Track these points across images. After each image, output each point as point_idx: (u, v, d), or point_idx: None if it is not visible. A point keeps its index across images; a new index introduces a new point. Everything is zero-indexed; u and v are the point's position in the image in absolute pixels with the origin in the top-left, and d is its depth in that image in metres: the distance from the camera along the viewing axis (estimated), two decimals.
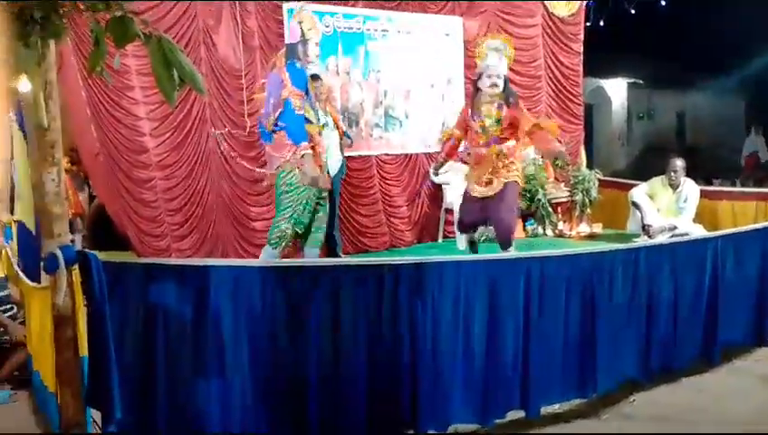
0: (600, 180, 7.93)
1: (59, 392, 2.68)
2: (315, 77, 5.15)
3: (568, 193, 7.79)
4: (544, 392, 3.50)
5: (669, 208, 6.44)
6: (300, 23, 5.06)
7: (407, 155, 7.31)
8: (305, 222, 4.98)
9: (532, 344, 3.41)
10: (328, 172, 5.44)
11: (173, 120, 5.84)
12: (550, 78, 8.27)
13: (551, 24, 8.19)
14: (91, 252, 2.60)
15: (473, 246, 5.65)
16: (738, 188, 9.53)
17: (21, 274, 4.03)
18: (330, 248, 6.09)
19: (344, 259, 5.39)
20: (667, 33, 13.96)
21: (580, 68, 8.54)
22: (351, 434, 3.09)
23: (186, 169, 5.96)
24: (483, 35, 5.97)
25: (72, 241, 2.74)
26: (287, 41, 6.17)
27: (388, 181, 7.16)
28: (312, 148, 4.89)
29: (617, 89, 16.67)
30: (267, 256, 4.93)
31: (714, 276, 4.18)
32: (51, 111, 2.47)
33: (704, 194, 6.68)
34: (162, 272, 2.85)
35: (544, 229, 7.59)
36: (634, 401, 3.79)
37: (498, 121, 5.29)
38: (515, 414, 3.46)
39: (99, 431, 2.71)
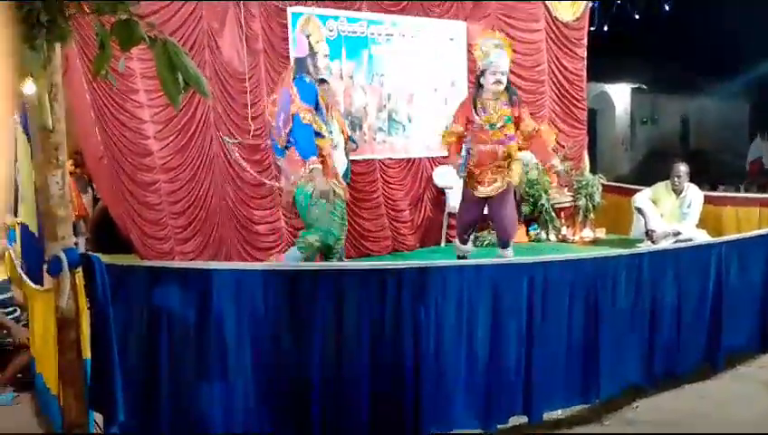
0: (603, 185, 7.92)
1: (61, 394, 2.68)
2: (322, 81, 5.15)
3: (571, 198, 7.78)
4: (547, 398, 3.49)
5: (673, 214, 6.43)
6: (308, 36, 5.06)
7: (410, 159, 7.31)
8: (337, 234, 4.96)
9: (535, 349, 3.40)
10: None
11: (177, 123, 5.85)
12: (553, 82, 8.26)
13: (554, 28, 8.19)
14: (95, 255, 2.61)
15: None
16: (742, 194, 9.50)
17: (24, 276, 4.03)
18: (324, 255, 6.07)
19: (347, 263, 5.38)
20: (671, 37, 13.94)
21: (584, 73, 8.53)
22: None
23: (189, 172, 5.95)
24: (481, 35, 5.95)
25: (76, 244, 2.74)
26: (291, 45, 6.23)
27: (391, 185, 7.15)
28: (324, 161, 4.88)
29: (620, 94, 16.66)
30: (290, 258, 4.94)
31: (717, 282, 4.17)
32: (56, 114, 2.48)
33: (708, 199, 6.67)
34: (166, 275, 2.85)
35: (547, 234, 7.57)
36: (637, 407, 3.78)
37: (509, 120, 5.29)
38: (518, 419, 3.45)
39: (101, 433, 2.71)
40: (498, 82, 5.26)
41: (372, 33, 6.96)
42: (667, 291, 3.92)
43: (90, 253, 2.63)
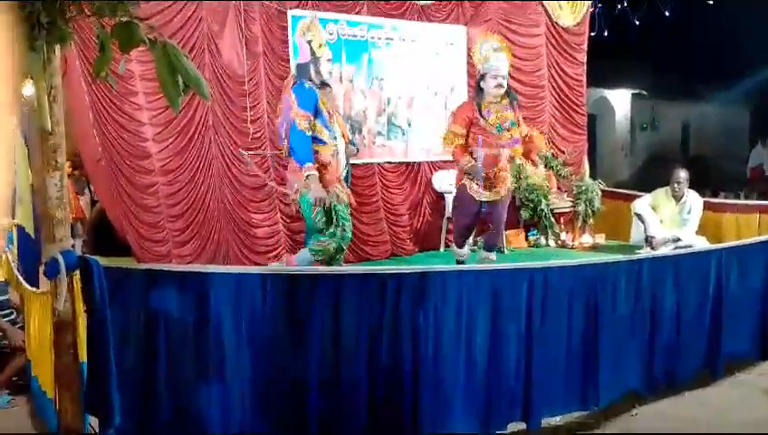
0: (603, 191, 7.91)
1: (57, 397, 2.66)
2: (324, 84, 5.14)
3: (571, 203, 7.77)
4: (546, 404, 3.48)
5: (673, 220, 6.42)
6: (309, 41, 5.05)
7: (409, 163, 7.30)
8: (350, 236, 5.00)
9: (534, 355, 3.39)
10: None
11: (176, 125, 5.83)
12: (553, 88, 8.27)
13: (555, 33, 8.20)
14: (93, 257, 2.59)
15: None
16: (742, 201, 9.50)
17: (21, 278, 4.01)
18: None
19: (346, 268, 5.36)
20: (672, 43, 13.98)
21: (584, 78, 8.54)
22: None
23: (188, 174, 5.94)
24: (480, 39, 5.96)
25: (73, 246, 2.72)
26: (291, 49, 6.23)
27: (390, 189, 7.14)
28: (325, 167, 4.87)
29: (620, 99, 16.69)
30: (301, 260, 4.92)
31: (717, 289, 4.16)
32: (55, 116, 2.47)
33: (707, 206, 6.67)
34: (163, 278, 2.83)
35: (547, 240, 7.56)
36: (636, 413, 3.76)
37: (513, 124, 5.30)
38: (516, 426, 3.44)
39: None
40: (499, 85, 5.26)
41: (372, 37, 6.96)
42: (666, 297, 3.91)
43: (87, 255, 2.61)
